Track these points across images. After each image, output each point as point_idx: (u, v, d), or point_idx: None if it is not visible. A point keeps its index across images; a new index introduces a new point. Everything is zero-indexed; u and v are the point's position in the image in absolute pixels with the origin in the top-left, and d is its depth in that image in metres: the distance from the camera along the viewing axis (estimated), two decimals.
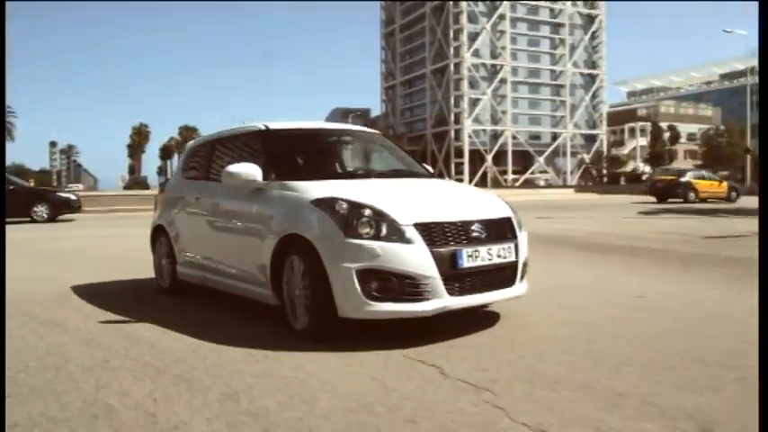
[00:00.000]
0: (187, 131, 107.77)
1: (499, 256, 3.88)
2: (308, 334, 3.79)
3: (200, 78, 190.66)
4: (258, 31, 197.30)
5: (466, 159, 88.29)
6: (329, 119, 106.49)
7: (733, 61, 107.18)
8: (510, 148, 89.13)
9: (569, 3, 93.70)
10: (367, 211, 3.68)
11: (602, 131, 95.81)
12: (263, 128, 4.91)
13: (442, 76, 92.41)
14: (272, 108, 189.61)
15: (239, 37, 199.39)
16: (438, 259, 3.62)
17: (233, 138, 5.35)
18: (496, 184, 77.59)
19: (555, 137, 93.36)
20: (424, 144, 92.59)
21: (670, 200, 27.47)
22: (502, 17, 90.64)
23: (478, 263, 3.78)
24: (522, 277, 4.15)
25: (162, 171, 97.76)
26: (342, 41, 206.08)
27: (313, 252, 3.70)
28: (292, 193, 4.10)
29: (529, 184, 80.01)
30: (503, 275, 3.95)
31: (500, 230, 4.02)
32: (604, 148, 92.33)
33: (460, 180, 77.24)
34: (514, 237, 4.09)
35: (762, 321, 3.02)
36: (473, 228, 3.83)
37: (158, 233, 5.97)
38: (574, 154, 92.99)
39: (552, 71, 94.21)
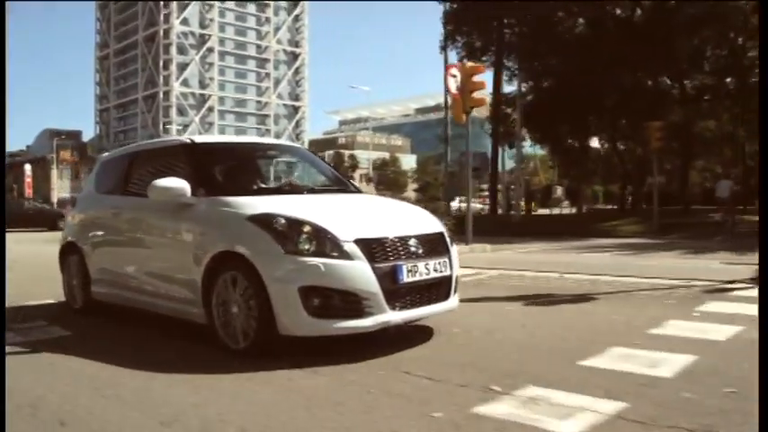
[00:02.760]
0: None
1: (436, 271, 3.96)
2: (248, 353, 3.68)
3: None
4: None
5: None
6: (38, 140, 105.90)
7: (425, 98, 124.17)
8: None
9: (274, 41, 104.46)
10: (306, 228, 3.65)
11: None
12: (188, 141, 4.85)
13: (153, 102, 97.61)
14: None
15: None
16: (379, 275, 3.62)
17: (154, 151, 5.32)
18: None
19: None
20: None
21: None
22: (210, 50, 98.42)
23: (417, 278, 3.83)
24: (455, 291, 4.22)
25: None
26: (58, 62, 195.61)
27: (251, 269, 3.64)
28: (225, 209, 4.02)
29: None
30: (440, 289, 4.03)
31: (435, 245, 4.09)
32: None
33: None
34: (448, 251, 4.16)
35: (762, 321, 3.07)
36: (410, 243, 3.87)
37: (69, 251, 5.64)
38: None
39: (258, 102, 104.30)
